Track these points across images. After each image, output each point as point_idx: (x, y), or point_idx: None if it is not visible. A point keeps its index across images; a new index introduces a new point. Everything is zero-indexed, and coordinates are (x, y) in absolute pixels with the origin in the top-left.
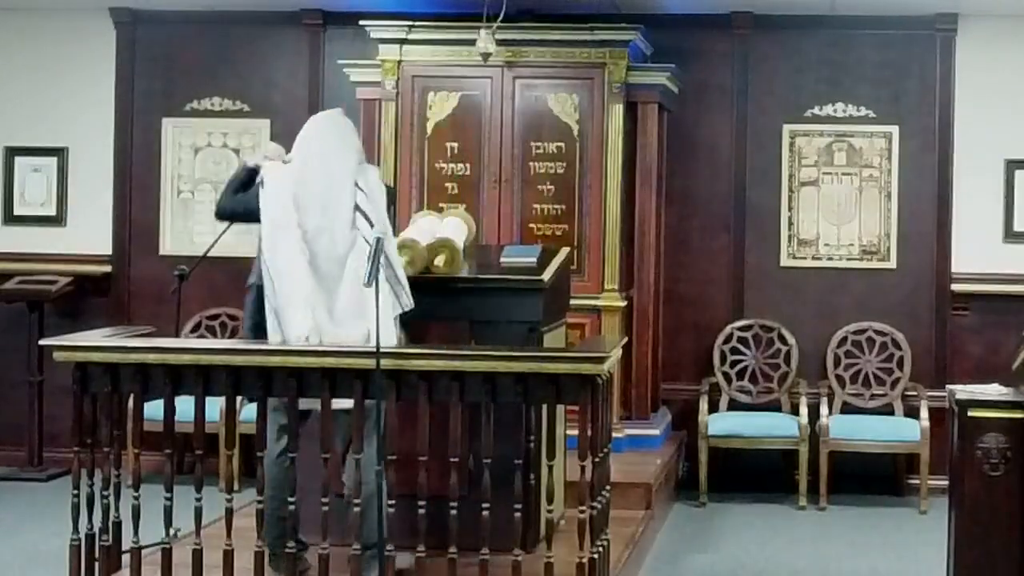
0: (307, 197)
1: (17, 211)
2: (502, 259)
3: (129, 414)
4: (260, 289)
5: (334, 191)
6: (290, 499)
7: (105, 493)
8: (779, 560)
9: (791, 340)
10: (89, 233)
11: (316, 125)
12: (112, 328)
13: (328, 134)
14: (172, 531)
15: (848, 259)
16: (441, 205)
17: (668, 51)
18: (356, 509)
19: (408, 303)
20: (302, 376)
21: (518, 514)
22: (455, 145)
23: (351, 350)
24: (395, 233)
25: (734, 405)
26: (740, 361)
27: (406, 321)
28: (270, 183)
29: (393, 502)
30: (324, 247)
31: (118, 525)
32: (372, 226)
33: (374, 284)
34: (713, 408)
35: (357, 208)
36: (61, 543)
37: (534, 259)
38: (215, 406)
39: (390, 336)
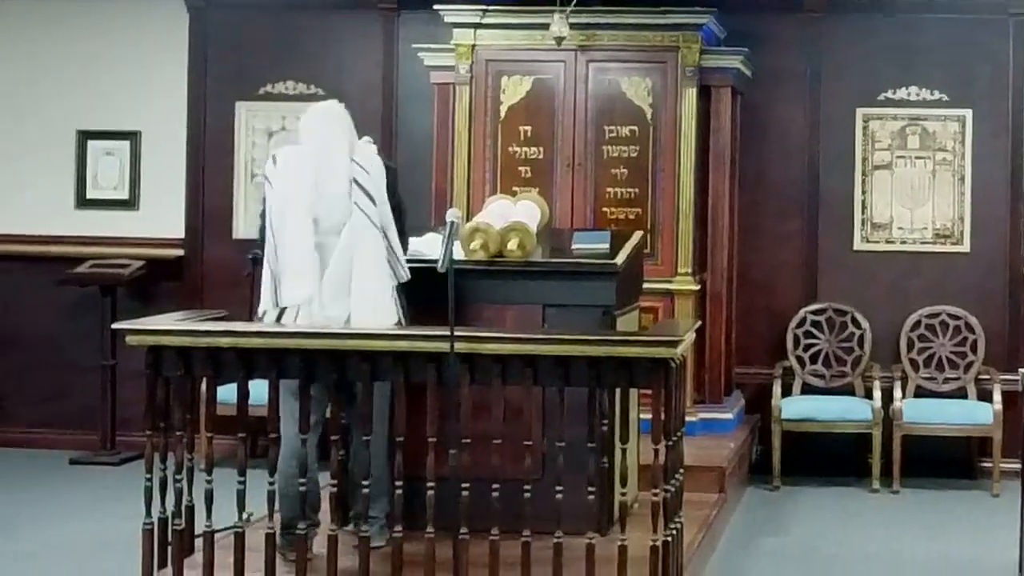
0: (311, 173)
1: (90, 195)
2: (574, 246)
3: (202, 398)
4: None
5: (332, 167)
6: (301, 479)
7: (178, 477)
8: (852, 543)
9: (864, 324)
10: (162, 217)
11: (315, 110)
12: (185, 312)
13: (327, 117)
14: (245, 515)
15: (921, 243)
16: (514, 189)
17: (741, 34)
18: (365, 490)
19: (404, 275)
20: (376, 360)
21: (592, 497)
22: (528, 129)
23: (425, 334)
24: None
25: (807, 389)
26: (813, 345)
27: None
28: (282, 161)
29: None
30: (322, 222)
31: (191, 509)
32: (373, 202)
33: (445, 267)
34: (786, 392)
35: (355, 183)
36: (134, 527)
37: (606, 245)
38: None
39: (388, 313)
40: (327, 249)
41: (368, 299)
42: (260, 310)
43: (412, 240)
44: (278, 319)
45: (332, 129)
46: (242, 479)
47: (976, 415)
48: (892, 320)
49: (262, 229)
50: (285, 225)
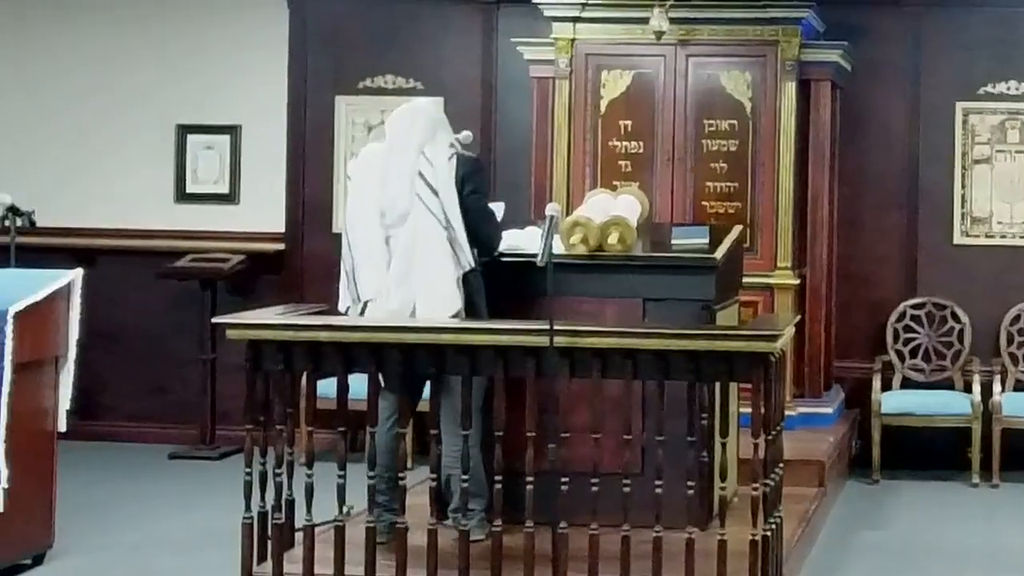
0: (380, 169)
1: (190, 189)
2: (673, 242)
3: (302, 392)
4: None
5: (399, 162)
6: (400, 474)
7: (278, 471)
8: (951, 537)
9: (964, 318)
10: (262, 211)
11: (399, 109)
12: (285, 306)
13: (406, 114)
14: (345, 509)
15: (1021, 237)
16: (615, 183)
17: (840, 28)
18: (464, 485)
19: (468, 262)
20: (475, 354)
21: (691, 491)
22: (628, 123)
23: (524, 328)
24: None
25: (907, 383)
26: (913, 339)
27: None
28: (360, 159)
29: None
30: (388, 215)
31: (291, 503)
32: (436, 194)
33: (545, 261)
34: (886, 386)
35: (420, 175)
36: (234, 521)
37: (706, 241)
38: None
39: (452, 300)
40: (394, 241)
41: (430, 288)
42: (341, 306)
43: (513, 233)
44: (361, 314)
45: (407, 127)
46: (342, 473)
47: None
48: (991, 314)
49: None
50: (357, 221)
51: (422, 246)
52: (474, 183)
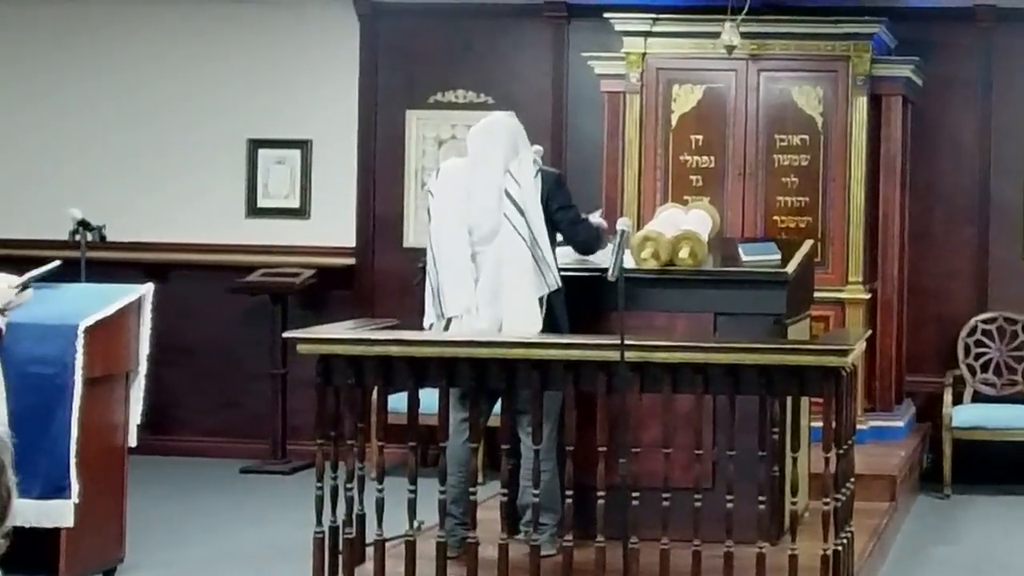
0: (465, 186)
1: (261, 203)
2: (744, 257)
3: (373, 407)
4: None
5: (485, 179)
6: (471, 489)
7: (349, 486)
8: (1023, 552)
9: None
10: (333, 225)
11: (479, 124)
12: (355, 321)
13: (486, 130)
14: (416, 523)
15: None
16: (686, 198)
17: (911, 44)
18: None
19: (554, 283)
20: (547, 369)
21: (762, 506)
22: (700, 138)
23: (596, 342)
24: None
25: (978, 397)
26: (984, 353)
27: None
28: (442, 174)
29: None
30: (475, 233)
31: (362, 518)
32: (523, 214)
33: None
34: (957, 400)
35: (506, 194)
36: (305, 536)
37: (778, 257)
38: None
39: (534, 321)
40: (481, 259)
41: (516, 308)
42: (426, 322)
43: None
44: (445, 330)
45: (490, 142)
46: (413, 488)
47: None
48: None
49: None
50: (442, 237)
51: (508, 265)
52: (560, 198)
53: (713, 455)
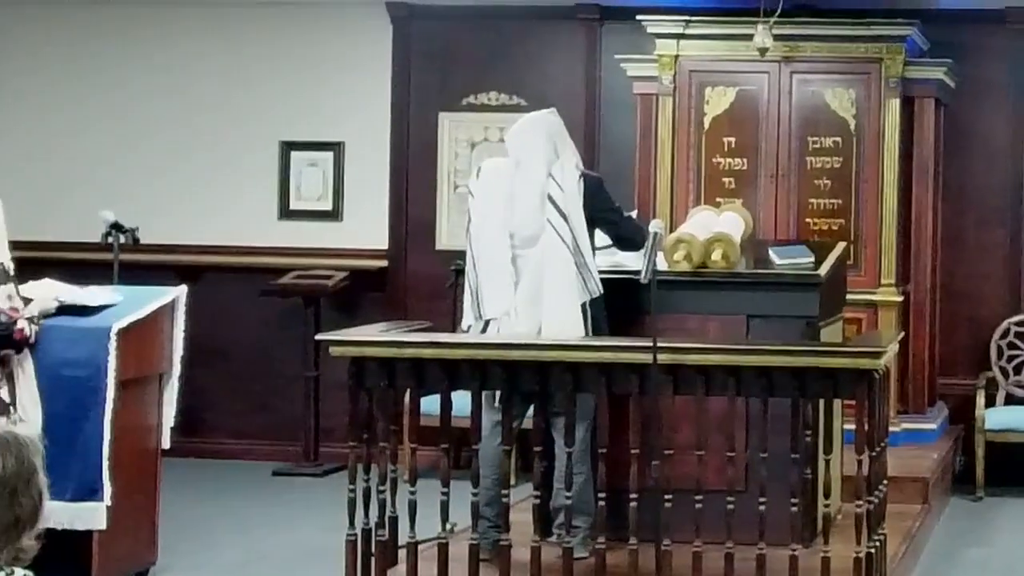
0: (507, 187)
1: (293, 206)
2: (777, 261)
3: (405, 409)
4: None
5: (527, 181)
6: (504, 491)
7: (381, 488)
8: None
9: None
10: (365, 228)
11: (519, 123)
12: (388, 323)
13: (528, 130)
14: (449, 526)
15: None
16: (718, 200)
17: (944, 46)
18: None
19: (596, 289)
20: (579, 371)
21: (795, 508)
22: (732, 140)
23: (628, 345)
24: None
25: (1011, 399)
26: (1017, 356)
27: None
28: (483, 175)
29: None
30: (516, 236)
31: (394, 520)
32: (565, 219)
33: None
34: (990, 402)
35: (549, 198)
36: (337, 538)
37: (811, 259)
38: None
39: (577, 326)
40: (521, 262)
41: (557, 314)
42: (464, 324)
43: (615, 250)
44: (482, 332)
45: (532, 143)
46: (445, 490)
47: None
48: None
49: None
50: (483, 239)
51: (550, 270)
52: (601, 201)
53: (746, 457)
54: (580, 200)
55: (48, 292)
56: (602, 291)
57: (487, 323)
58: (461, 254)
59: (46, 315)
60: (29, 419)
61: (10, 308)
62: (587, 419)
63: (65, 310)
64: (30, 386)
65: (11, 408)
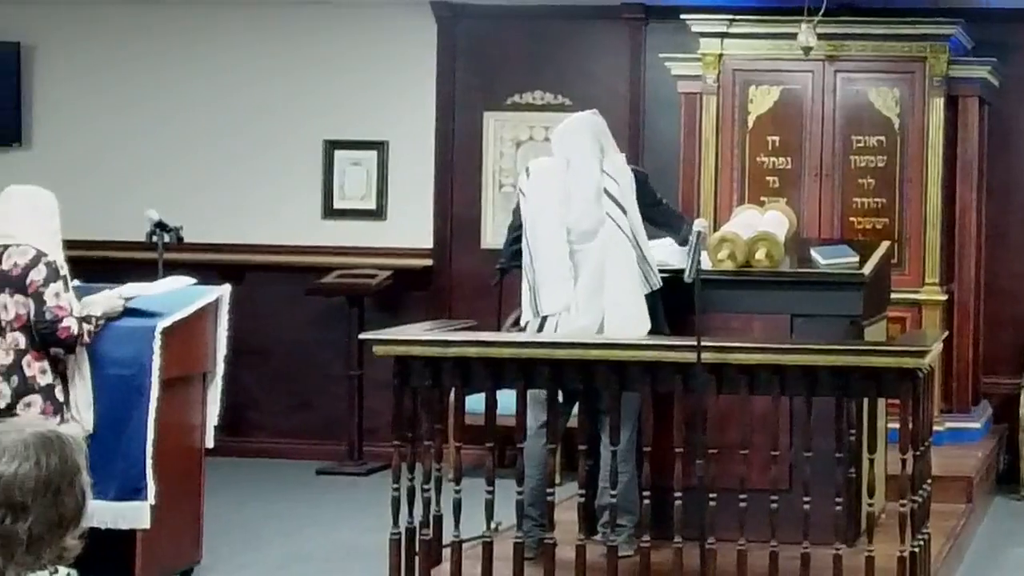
0: (561, 185)
1: (337, 205)
2: (822, 261)
3: (450, 408)
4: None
5: (581, 178)
6: (548, 489)
7: (426, 487)
8: None
9: None
10: (409, 227)
11: (566, 123)
12: (432, 322)
13: (576, 129)
14: (493, 524)
15: None
16: (762, 199)
17: (988, 45)
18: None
19: (656, 282)
20: (624, 370)
21: (839, 508)
22: (776, 139)
23: (672, 344)
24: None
25: None
26: None
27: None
28: (534, 174)
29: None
30: (573, 231)
31: (439, 519)
32: (624, 212)
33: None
34: None
35: (606, 192)
36: (381, 537)
37: (855, 259)
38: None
39: (641, 321)
40: (580, 257)
41: (621, 308)
42: (523, 320)
43: (660, 248)
44: (540, 328)
45: (581, 141)
46: (490, 489)
47: None
48: None
49: (508, 242)
50: (539, 236)
51: (612, 264)
52: (648, 195)
53: (790, 456)
54: (634, 194)
55: (112, 293)
56: (661, 284)
57: (544, 319)
58: (503, 253)
59: (111, 315)
60: (82, 420)
61: (56, 306)
62: (632, 418)
63: (131, 311)
64: (86, 387)
65: (64, 407)
